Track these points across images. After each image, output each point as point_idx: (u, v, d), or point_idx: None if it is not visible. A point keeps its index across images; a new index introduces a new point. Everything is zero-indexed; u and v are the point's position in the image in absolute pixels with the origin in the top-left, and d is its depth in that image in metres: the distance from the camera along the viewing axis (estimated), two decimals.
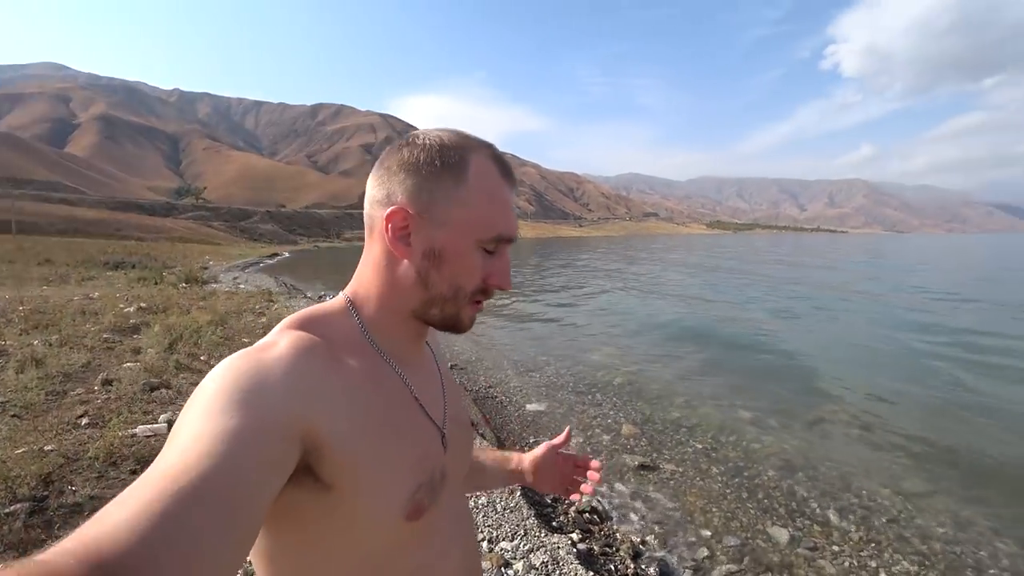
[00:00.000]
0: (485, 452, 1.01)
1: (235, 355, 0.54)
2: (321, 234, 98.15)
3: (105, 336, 6.73)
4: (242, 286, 16.52)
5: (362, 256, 0.68)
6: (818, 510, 3.86)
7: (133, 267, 20.67)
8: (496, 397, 6.30)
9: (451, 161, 0.62)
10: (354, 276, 0.68)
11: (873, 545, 3.45)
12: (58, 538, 1.75)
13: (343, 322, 0.65)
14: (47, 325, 7.21)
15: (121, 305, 9.29)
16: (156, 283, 14.41)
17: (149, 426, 3.87)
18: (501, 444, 4.71)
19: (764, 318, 12.46)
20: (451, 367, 7.48)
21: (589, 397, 6.35)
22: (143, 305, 9.35)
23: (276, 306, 10.53)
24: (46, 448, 3.39)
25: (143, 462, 3.29)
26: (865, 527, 3.65)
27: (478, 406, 5.80)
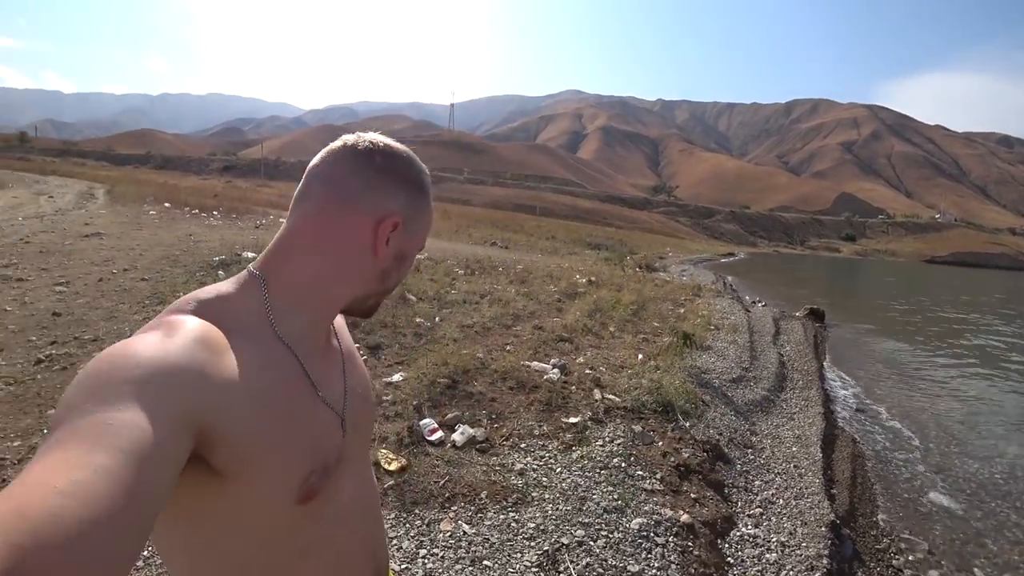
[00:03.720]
0: None
1: (126, 342, 0.52)
2: (783, 239, 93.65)
3: (556, 296, 8.34)
4: (684, 278, 17.48)
5: (295, 237, 0.67)
6: None
7: (606, 249, 24.54)
8: (892, 464, 4.85)
9: (426, 186, 0.74)
10: (276, 254, 0.67)
11: None
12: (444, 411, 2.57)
13: (244, 303, 0.64)
14: (523, 281, 9.47)
15: (577, 276, 11.24)
16: (616, 264, 16.65)
17: (539, 363, 4.77)
18: (856, 530, 3.61)
19: None
20: (856, 410, 6.13)
21: None
22: (592, 279, 11.06)
23: (699, 301, 10.73)
24: (476, 355, 4.71)
25: (521, 382, 4.29)
26: None
27: (853, 464, 4.54)
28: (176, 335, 0.54)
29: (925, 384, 7.99)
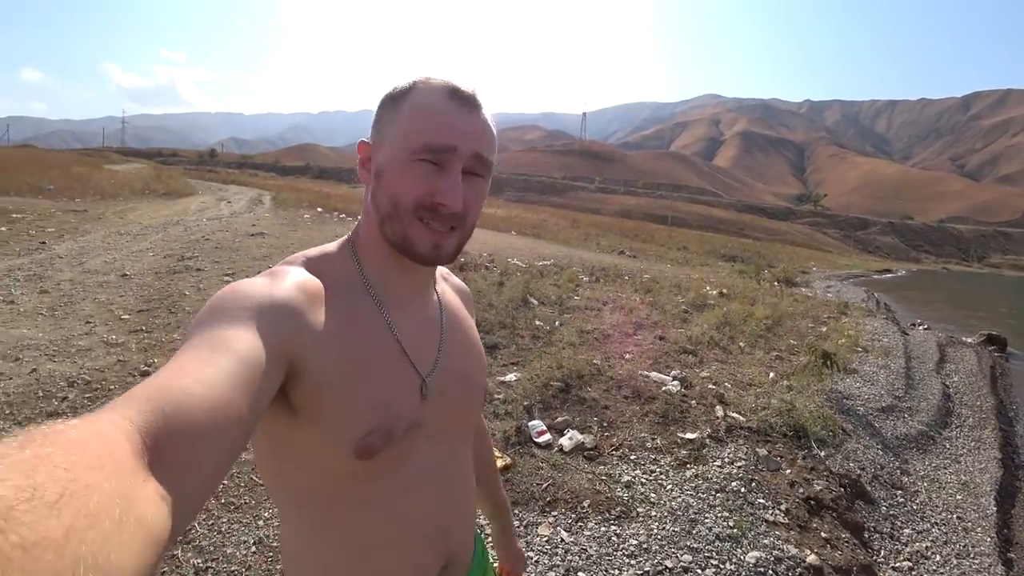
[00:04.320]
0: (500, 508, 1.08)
1: (243, 281, 0.62)
2: (955, 254, 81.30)
3: (683, 307, 7.96)
4: (828, 294, 15.89)
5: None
6: None
7: (741, 261, 23.07)
8: None
9: (397, 93, 0.67)
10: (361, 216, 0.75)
11: None
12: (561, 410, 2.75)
13: (340, 260, 0.72)
14: (649, 290, 9.16)
15: (707, 288, 10.66)
16: (752, 277, 15.53)
17: (658, 374, 4.55)
18: None
19: None
20: None
21: None
22: (723, 291, 10.42)
23: (845, 320, 9.65)
24: (593, 361, 4.63)
25: (637, 392, 4.12)
26: None
27: None
28: (282, 280, 0.63)
29: None
